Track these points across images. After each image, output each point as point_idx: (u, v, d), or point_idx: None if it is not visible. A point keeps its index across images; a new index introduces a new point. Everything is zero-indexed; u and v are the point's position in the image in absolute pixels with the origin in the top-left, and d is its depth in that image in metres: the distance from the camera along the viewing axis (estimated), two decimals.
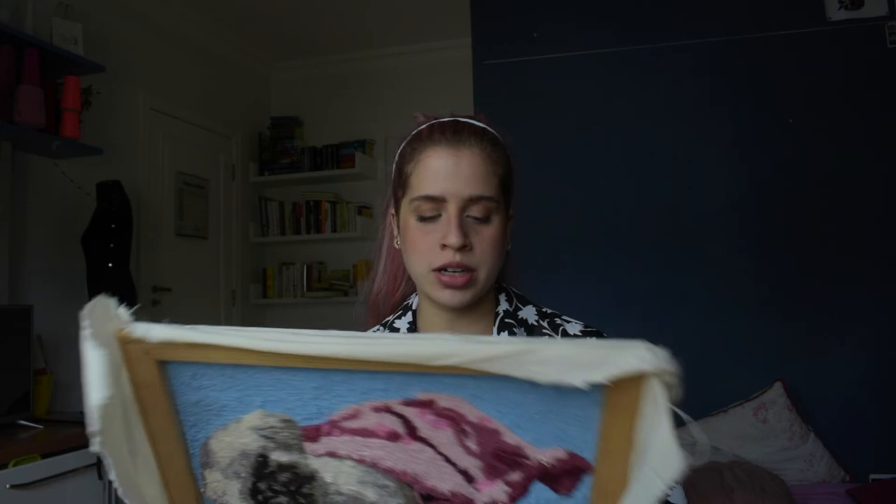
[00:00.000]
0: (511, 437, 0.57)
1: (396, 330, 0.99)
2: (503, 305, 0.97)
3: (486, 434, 0.58)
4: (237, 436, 0.61)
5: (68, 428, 2.39)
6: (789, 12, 2.92)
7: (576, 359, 0.49)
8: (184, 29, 4.04)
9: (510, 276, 1.03)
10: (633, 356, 0.48)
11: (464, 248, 0.87)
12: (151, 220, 3.75)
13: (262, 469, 0.61)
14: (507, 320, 0.95)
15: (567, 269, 3.01)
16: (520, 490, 0.58)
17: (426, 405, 0.57)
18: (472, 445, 0.58)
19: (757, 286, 2.91)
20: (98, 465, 2.34)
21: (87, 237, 3.01)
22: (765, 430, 2.70)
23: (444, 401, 0.56)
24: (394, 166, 0.97)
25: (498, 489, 0.59)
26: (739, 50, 2.97)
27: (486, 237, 0.89)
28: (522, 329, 0.96)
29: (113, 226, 3.01)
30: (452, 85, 4.14)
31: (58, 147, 2.87)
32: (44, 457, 2.19)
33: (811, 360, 2.80)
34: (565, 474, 0.57)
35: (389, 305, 1.05)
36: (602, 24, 3.15)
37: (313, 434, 0.60)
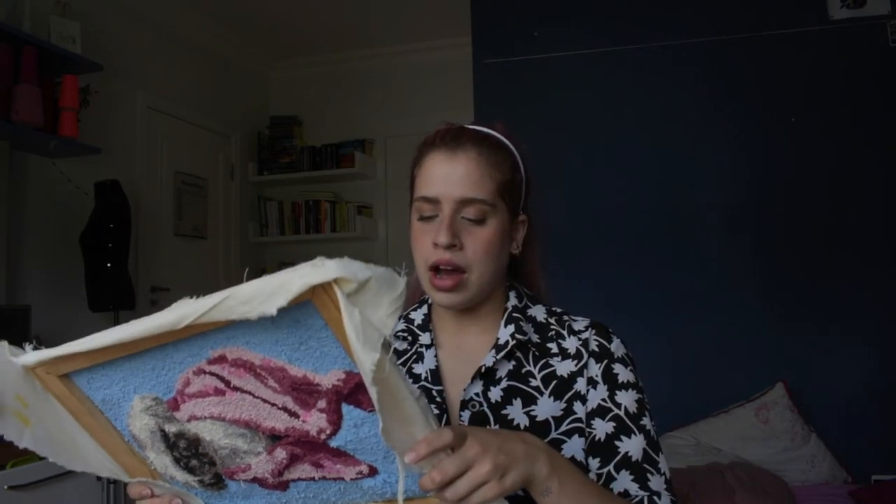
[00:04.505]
0: (295, 371, 0.62)
1: (412, 320, 1.02)
2: (513, 301, 0.99)
3: (275, 372, 0.63)
4: (140, 419, 0.69)
5: None
6: (791, 11, 2.91)
7: (265, 290, 0.54)
8: (182, 28, 4.03)
9: (529, 280, 1.05)
10: (300, 276, 0.54)
11: (453, 247, 0.90)
12: (150, 220, 3.74)
13: (167, 441, 0.70)
14: (514, 314, 0.97)
15: (567, 268, 2.98)
16: (334, 415, 0.64)
17: (222, 360, 0.63)
18: (273, 384, 0.63)
19: (759, 286, 2.90)
20: None
21: (86, 237, 3.00)
22: (766, 431, 2.69)
23: (230, 353, 0.62)
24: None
25: (318, 418, 0.64)
26: (741, 49, 2.96)
27: (479, 238, 0.91)
28: (530, 325, 0.98)
29: (111, 225, 3.00)
30: (452, 85, 4.12)
31: (56, 146, 2.86)
32: (42, 458, 2.17)
33: (813, 361, 2.79)
34: (358, 390, 0.62)
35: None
36: (602, 23, 3.14)
37: (174, 405, 0.67)
